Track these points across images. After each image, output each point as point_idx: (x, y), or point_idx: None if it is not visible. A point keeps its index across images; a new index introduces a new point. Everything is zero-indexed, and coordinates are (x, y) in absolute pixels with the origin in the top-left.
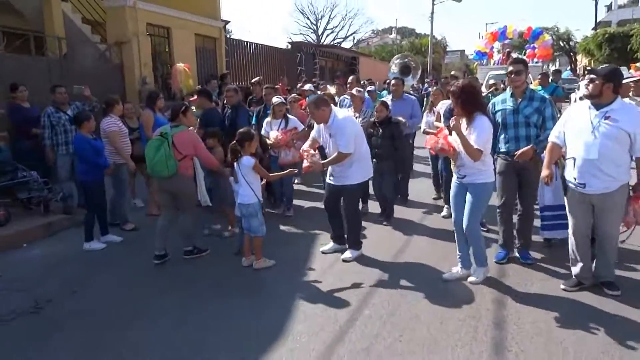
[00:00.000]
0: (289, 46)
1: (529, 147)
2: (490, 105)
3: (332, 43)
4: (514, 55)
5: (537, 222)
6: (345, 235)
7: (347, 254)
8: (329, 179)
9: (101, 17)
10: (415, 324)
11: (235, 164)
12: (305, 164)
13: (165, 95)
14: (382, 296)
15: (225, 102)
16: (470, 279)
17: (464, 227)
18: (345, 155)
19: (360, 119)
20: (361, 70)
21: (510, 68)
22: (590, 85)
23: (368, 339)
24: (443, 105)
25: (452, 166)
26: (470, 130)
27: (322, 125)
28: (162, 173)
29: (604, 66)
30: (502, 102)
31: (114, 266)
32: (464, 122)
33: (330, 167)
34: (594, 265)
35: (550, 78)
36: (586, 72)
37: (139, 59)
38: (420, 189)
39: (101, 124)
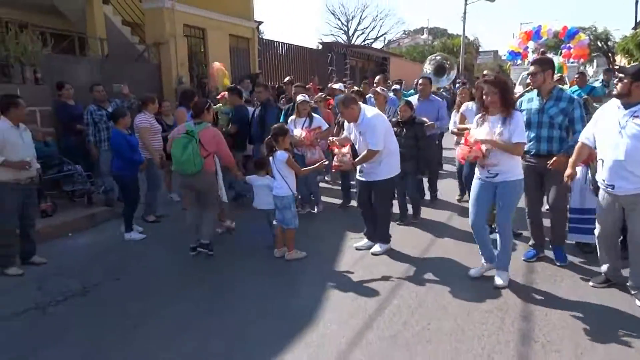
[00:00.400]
0: (320, 46)
1: (560, 155)
2: (517, 103)
3: (362, 44)
4: (550, 55)
5: None
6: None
7: (377, 247)
8: (358, 176)
9: (140, 19)
10: (443, 314)
11: (270, 158)
12: (335, 162)
13: (199, 94)
14: (410, 288)
15: (255, 99)
16: (497, 282)
17: (500, 231)
18: (375, 152)
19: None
20: (392, 71)
21: (531, 68)
22: (619, 84)
23: (396, 327)
24: (466, 107)
25: (476, 166)
26: (509, 124)
27: (352, 123)
28: (190, 170)
29: (633, 65)
30: (529, 101)
31: (152, 255)
32: (491, 118)
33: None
34: (628, 272)
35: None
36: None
37: (176, 59)
38: (447, 189)
39: (134, 120)
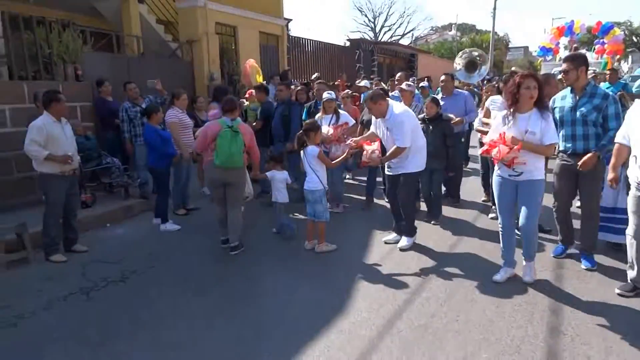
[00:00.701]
0: (347, 43)
1: (590, 155)
2: (550, 101)
3: (390, 40)
4: (583, 51)
5: None
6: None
7: (403, 241)
8: (387, 171)
9: (173, 18)
10: (472, 307)
11: (301, 152)
12: (364, 159)
13: (231, 91)
14: (439, 281)
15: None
16: (526, 278)
17: (525, 228)
18: (402, 149)
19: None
20: (420, 67)
21: (563, 66)
22: None
23: (426, 317)
24: (491, 101)
25: (495, 165)
26: (541, 123)
27: (379, 119)
28: (238, 164)
29: None
30: (562, 98)
31: (187, 245)
32: (520, 116)
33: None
34: None
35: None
36: None
37: (208, 56)
38: (472, 188)
39: (165, 115)
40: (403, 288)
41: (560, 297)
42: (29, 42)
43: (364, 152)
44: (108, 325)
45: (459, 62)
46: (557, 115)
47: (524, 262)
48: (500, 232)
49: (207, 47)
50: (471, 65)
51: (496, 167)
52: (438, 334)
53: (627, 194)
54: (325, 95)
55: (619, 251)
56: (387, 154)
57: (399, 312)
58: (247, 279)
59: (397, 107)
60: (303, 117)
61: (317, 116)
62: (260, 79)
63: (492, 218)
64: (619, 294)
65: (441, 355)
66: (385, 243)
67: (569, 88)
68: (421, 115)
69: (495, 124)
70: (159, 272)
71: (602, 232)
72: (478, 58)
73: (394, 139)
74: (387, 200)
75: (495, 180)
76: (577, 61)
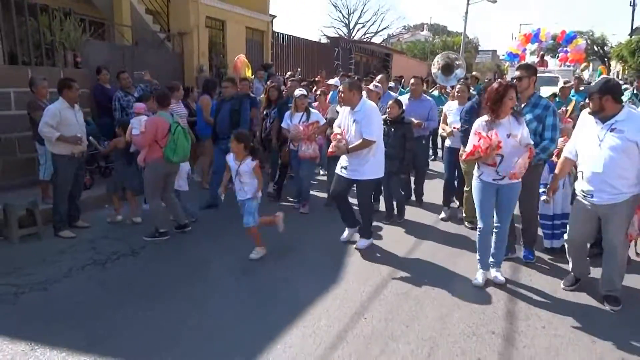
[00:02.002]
0: (321, 39)
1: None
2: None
3: (363, 38)
4: (547, 58)
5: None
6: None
7: (360, 242)
8: (340, 171)
9: (161, 8)
10: (447, 282)
11: (230, 160)
12: (331, 148)
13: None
14: (399, 279)
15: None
16: (500, 279)
17: (501, 230)
18: (370, 142)
19: None
20: (394, 67)
21: (516, 73)
22: (591, 103)
23: (407, 287)
24: (448, 106)
25: (475, 170)
26: (522, 127)
27: (347, 111)
28: (187, 158)
29: (596, 81)
30: None
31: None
32: (503, 122)
33: (344, 159)
34: (600, 277)
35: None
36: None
37: (198, 48)
38: (436, 191)
39: None
40: (366, 288)
41: (519, 285)
42: (32, 28)
43: (332, 140)
44: (127, 289)
45: (435, 65)
46: None
47: (494, 268)
48: (477, 236)
49: (198, 40)
50: (447, 68)
51: (476, 173)
52: (418, 299)
53: (571, 203)
54: (297, 92)
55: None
56: (354, 144)
57: (384, 283)
58: (243, 254)
59: (370, 102)
60: (274, 115)
61: (287, 113)
62: (249, 73)
63: (442, 219)
64: (563, 289)
65: (421, 315)
66: (343, 242)
67: None
68: (383, 117)
69: (474, 129)
70: (165, 248)
71: (547, 240)
72: (456, 61)
73: (362, 132)
74: (330, 197)
75: (476, 185)
76: (530, 70)
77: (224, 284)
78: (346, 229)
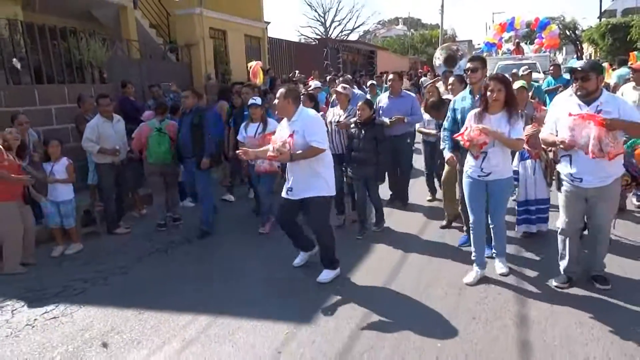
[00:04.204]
0: (300, 39)
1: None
2: (452, 102)
3: (340, 35)
4: (522, 45)
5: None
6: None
7: (323, 274)
8: (285, 194)
9: (162, 21)
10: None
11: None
12: (271, 152)
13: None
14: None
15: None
16: (501, 270)
17: (496, 224)
18: (319, 150)
19: (344, 116)
20: (379, 64)
21: (468, 65)
22: (585, 83)
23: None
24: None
25: (465, 165)
26: (514, 120)
27: (285, 123)
28: (167, 160)
29: (585, 61)
30: (462, 99)
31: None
32: (493, 117)
33: (289, 180)
34: (584, 259)
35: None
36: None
37: (204, 58)
38: (420, 189)
39: None
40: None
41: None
42: (64, 49)
43: (272, 145)
44: (191, 271)
45: (439, 57)
46: (459, 116)
47: (496, 258)
48: (471, 230)
49: (204, 50)
50: (451, 60)
51: (465, 170)
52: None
53: (559, 189)
54: (251, 100)
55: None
56: (301, 151)
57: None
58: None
59: (308, 110)
60: (231, 125)
61: (243, 124)
62: (261, 78)
63: (428, 200)
64: (555, 287)
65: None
66: (294, 267)
67: (467, 90)
68: (353, 119)
69: (468, 118)
70: (211, 239)
71: (524, 224)
72: (458, 52)
73: (309, 140)
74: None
75: (465, 182)
76: (483, 62)
77: (270, 267)
78: (300, 253)
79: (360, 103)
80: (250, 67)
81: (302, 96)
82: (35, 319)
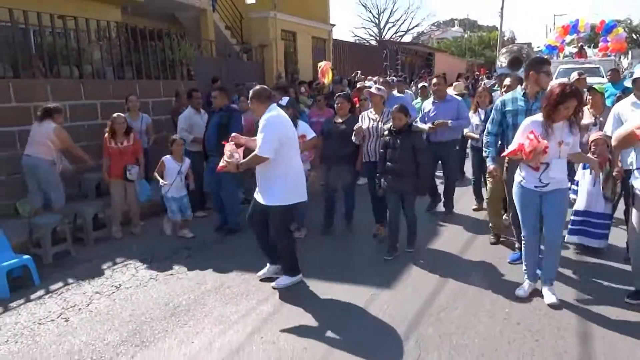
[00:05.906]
0: (356, 41)
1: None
2: (498, 103)
3: (393, 37)
4: (586, 49)
5: None
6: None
7: (280, 280)
8: (256, 194)
9: (236, 23)
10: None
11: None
12: (222, 163)
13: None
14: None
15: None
16: (551, 300)
17: (552, 238)
18: (260, 158)
19: (382, 121)
20: (437, 66)
21: (545, 68)
22: None
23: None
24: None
25: (518, 174)
26: (576, 131)
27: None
28: None
29: None
30: (512, 101)
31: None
32: (556, 126)
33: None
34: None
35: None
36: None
37: (276, 58)
38: (467, 199)
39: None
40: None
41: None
42: (160, 50)
43: (225, 153)
44: (245, 254)
45: (502, 61)
46: (510, 120)
47: (545, 286)
48: (523, 246)
49: (276, 51)
50: (516, 62)
51: (518, 178)
52: None
53: (633, 204)
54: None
55: (595, 253)
56: (246, 159)
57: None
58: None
59: (276, 111)
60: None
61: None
62: (329, 78)
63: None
64: (626, 302)
65: None
66: (260, 280)
67: (520, 91)
68: (387, 126)
69: (524, 127)
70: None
71: (578, 236)
72: (522, 53)
73: (257, 145)
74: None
75: (517, 191)
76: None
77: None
78: (267, 265)
79: (394, 109)
80: (320, 67)
81: (273, 92)
82: (157, 275)
